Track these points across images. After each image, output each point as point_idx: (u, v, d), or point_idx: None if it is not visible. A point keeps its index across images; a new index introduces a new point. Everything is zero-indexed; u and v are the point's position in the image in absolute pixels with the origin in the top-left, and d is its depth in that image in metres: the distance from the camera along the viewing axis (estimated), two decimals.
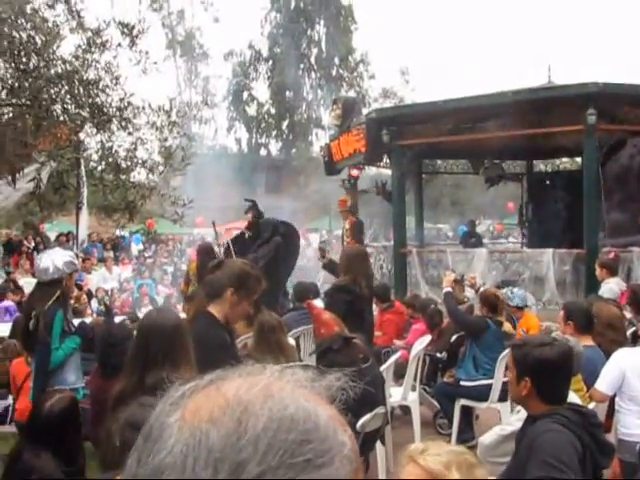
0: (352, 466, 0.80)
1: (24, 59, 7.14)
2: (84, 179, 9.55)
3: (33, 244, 19.42)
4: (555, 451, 2.94)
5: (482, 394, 7.15)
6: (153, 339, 3.50)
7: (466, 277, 8.82)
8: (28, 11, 7.20)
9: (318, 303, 7.51)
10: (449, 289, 7.80)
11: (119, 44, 7.87)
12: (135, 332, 3.68)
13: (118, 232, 22.77)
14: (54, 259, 5.55)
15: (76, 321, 6.54)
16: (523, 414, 3.78)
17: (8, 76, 7.32)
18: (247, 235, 10.37)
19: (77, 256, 13.83)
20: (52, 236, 21.31)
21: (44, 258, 5.65)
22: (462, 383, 7.30)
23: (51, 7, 7.73)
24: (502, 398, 7.03)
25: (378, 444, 5.87)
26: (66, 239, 19.24)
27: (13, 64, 7.15)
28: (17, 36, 7.05)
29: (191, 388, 0.84)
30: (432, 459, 2.29)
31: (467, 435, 7.31)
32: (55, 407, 3.97)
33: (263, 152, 44.80)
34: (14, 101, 7.39)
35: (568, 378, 3.40)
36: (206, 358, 3.53)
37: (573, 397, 3.62)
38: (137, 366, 3.50)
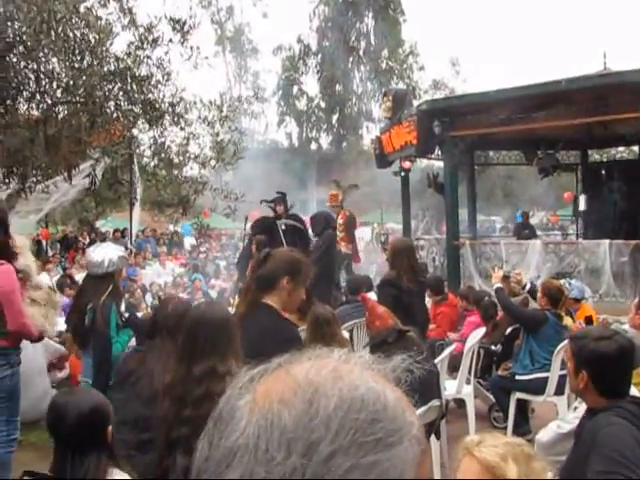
0: (420, 446, 0.81)
1: (78, 57, 7.24)
2: (137, 175, 9.67)
3: (88, 240, 19.78)
4: (618, 445, 2.85)
5: (538, 387, 7.04)
6: (201, 331, 3.52)
7: (512, 273, 8.65)
8: (82, 10, 7.30)
9: (372, 296, 7.48)
10: (500, 285, 7.70)
11: (170, 40, 7.93)
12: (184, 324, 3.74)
13: (172, 227, 23.06)
14: (108, 252, 5.58)
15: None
16: (581, 412, 3.69)
17: (63, 74, 7.43)
18: (283, 226, 10.31)
19: (131, 251, 14.06)
20: (107, 232, 21.71)
21: (98, 251, 5.67)
22: (518, 377, 7.19)
23: (104, 5, 7.82)
24: (559, 392, 6.93)
25: (432, 439, 5.82)
26: (121, 235, 19.57)
27: (68, 62, 7.26)
28: (71, 35, 7.15)
29: (260, 372, 0.86)
30: (488, 451, 2.25)
31: (523, 429, 7.19)
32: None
33: (314, 146, 44.84)
34: (69, 99, 7.50)
35: (627, 373, 3.29)
36: (278, 352, 3.53)
37: (632, 391, 3.53)
38: (185, 357, 3.53)
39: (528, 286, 8.01)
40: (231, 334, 3.56)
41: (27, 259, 5.78)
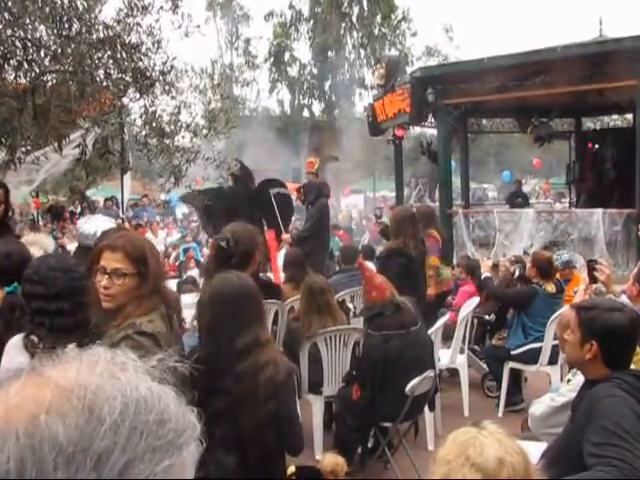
0: (199, 450, 0.77)
1: (66, 25, 7.09)
2: (128, 144, 9.55)
3: (79, 209, 19.66)
4: (616, 417, 2.84)
5: (531, 357, 7.07)
6: (239, 302, 3.57)
7: (500, 261, 8.53)
8: None
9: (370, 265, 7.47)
10: (488, 274, 7.77)
11: (161, 7, 7.77)
12: (210, 297, 3.73)
13: (163, 197, 22.95)
14: (98, 225, 5.54)
15: None
16: (575, 384, 3.69)
17: (51, 42, 7.28)
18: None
19: (123, 220, 13.99)
20: (97, 201, 21.62)
21: (89, 223, 5.65)
22: (512, 352, 7.20)
23: None
24: (552, 361, 6.95)
25: (426, 409, 5.84)
26: (112, 203, 19.47)
27: (56, 30, 7.11)
28: (59, 2, 7.00)
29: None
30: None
31: (516, 398, 7.26)
32: None
33: (306, 113, 44.50)
34: (57, 67, 7.36)
35: (634, 345, 3.32)
36: None
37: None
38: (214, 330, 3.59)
39: (517, 273, 7.96)
40: (259, 302, 3.71)
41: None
